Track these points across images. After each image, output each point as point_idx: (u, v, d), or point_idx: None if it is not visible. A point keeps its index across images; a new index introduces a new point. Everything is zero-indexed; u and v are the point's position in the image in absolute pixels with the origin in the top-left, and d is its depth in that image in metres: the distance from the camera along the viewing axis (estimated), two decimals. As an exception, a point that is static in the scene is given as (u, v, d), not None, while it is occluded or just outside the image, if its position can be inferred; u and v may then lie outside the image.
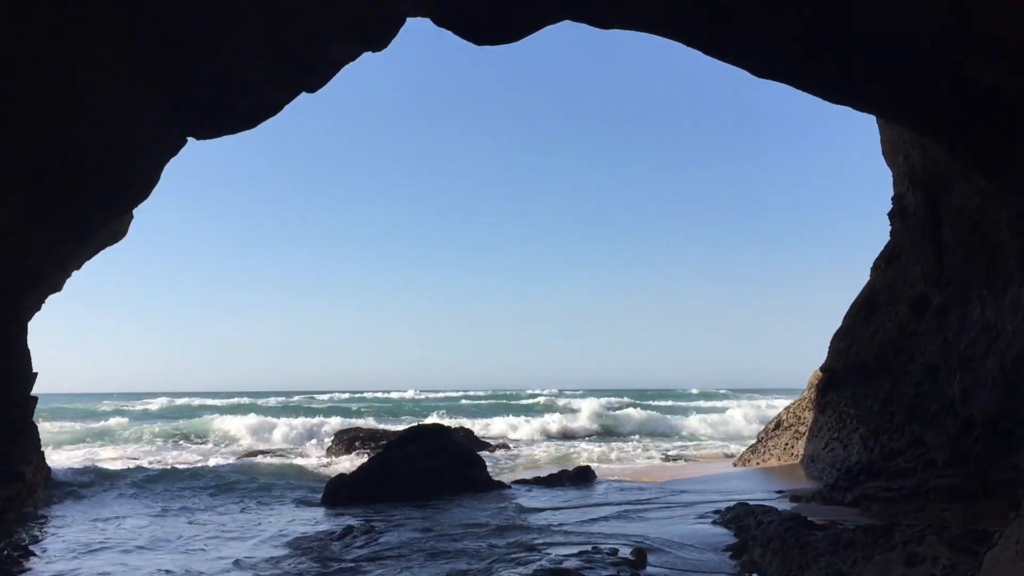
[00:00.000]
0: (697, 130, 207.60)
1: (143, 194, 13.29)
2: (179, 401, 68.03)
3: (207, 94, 11.49)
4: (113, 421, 41.90)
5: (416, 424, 21.70)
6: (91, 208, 11.72)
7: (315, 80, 12.14)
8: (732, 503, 14.07)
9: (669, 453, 29.90)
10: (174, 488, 19.00)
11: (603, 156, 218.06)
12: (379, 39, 11.50)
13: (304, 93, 12.33)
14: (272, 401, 67.42)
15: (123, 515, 14.96)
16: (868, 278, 19.54)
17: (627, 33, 11.44)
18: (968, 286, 12.97)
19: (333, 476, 18.92)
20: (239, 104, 11.96)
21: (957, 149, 10.44)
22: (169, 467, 23.27)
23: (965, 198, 12.11)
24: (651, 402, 64.57)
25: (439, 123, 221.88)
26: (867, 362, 17.72)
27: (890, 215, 17.59)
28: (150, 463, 24.90)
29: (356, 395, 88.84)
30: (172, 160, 13.25)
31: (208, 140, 12.68)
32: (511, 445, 32.24)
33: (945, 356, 13.21)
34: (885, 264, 18.09)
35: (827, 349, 20.96)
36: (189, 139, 12.88)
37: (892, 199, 17.32)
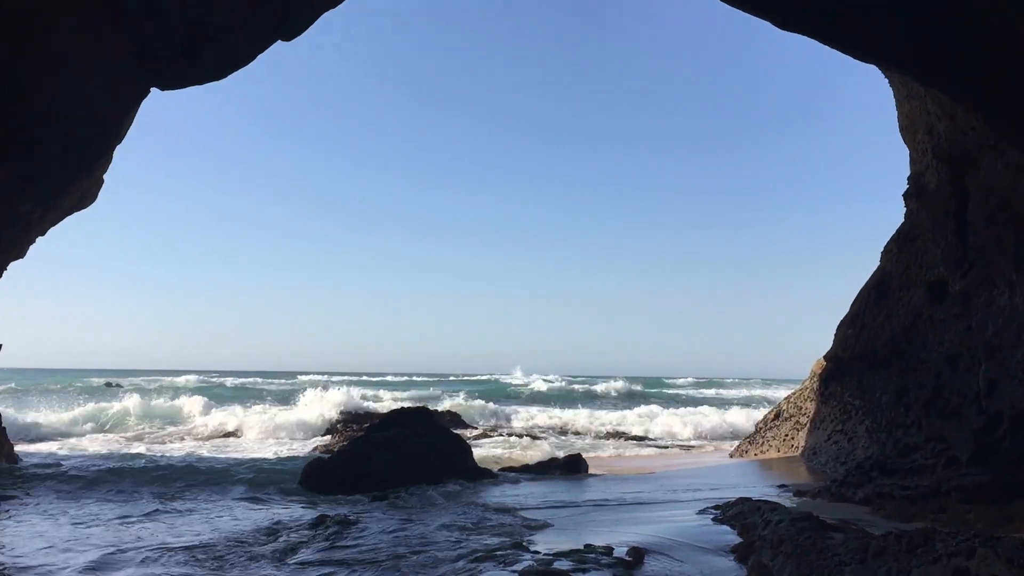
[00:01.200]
0: (700, 116, 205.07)
1: (104, 149, 12.17)
2: (163, 379, 66.76)
3: (172, 38, 10.40)
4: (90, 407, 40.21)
5: (400, 407, 20.71)
6: (45, 162, 10.63)
7: (291, 27, 11.04)
8: (733, 498, 13.17)
9: (660, 442, 29.07)
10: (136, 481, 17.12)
11: (605, 143, 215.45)
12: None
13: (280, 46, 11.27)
14: (247, 381, 66.40)
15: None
16: (875, 264, 18.63)
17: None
18: (994, 269, 12.03)
19: (310, 460, 17.97)
20: (206, 50, 10.86)
21: (994, 117, 9.46)
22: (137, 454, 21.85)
23: (995, 174, 11.15)
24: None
25: (430, 107, 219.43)
26: (877, 350, 16.81)
27: (905, 196, 16.63)
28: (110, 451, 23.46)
29: (338, 375, 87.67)
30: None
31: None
32: (495, 432, 31.29)
33: (968, 344, 12.30)
34: (898, 248, 17.15)
35: (830, 338, 20.09)
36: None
37: (908, 179, 16.35)
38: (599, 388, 61.48)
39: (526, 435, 29.14)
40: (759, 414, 29.19)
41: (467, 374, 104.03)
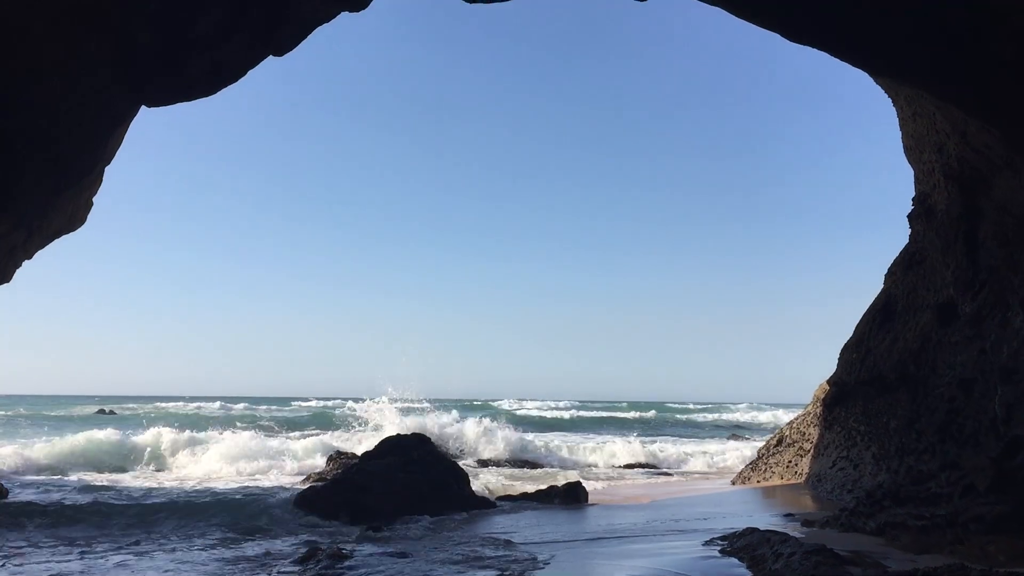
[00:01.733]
0: (709, 144, 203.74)
1: (86, 167, 11.75)
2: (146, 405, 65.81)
3: (155, 47, 10.04)
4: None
5: (397, 434, 20.22)
6: (21, 186, 10.21)
7: (283, 40, 10.71)
8: (739, 528, 12.72)
9: (659, 468, 28.57)
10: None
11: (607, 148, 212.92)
12: (360, -4, 10.11)
13: (272, 60, 10.90)
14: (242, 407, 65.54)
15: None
16: (870, 287, 18.32)
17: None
18: (1008, 290, 11.69)
19: (303, 489, 17.47)
20: (191, 62, 10.50)
21: (1013, 133, 9.15)
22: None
23: (1011, 192, 10.83)
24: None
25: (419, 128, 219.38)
26: (884, 375, 16.43)
27: (911, 217, 16.33)
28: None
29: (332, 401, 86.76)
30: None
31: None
32: (495, 458, 30.68)
33: (982, 368, 11.92)
34: (904, 270, 16.83)
35: (823, 362, 19.75)
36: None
37: (913, 200, 16.06)
38: (590, 414, 60.78)
39: (524, 462, 28.61)
40: (752, 440, 28.71)
41: (465, 399, 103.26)
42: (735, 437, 47.29)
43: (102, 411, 59.18)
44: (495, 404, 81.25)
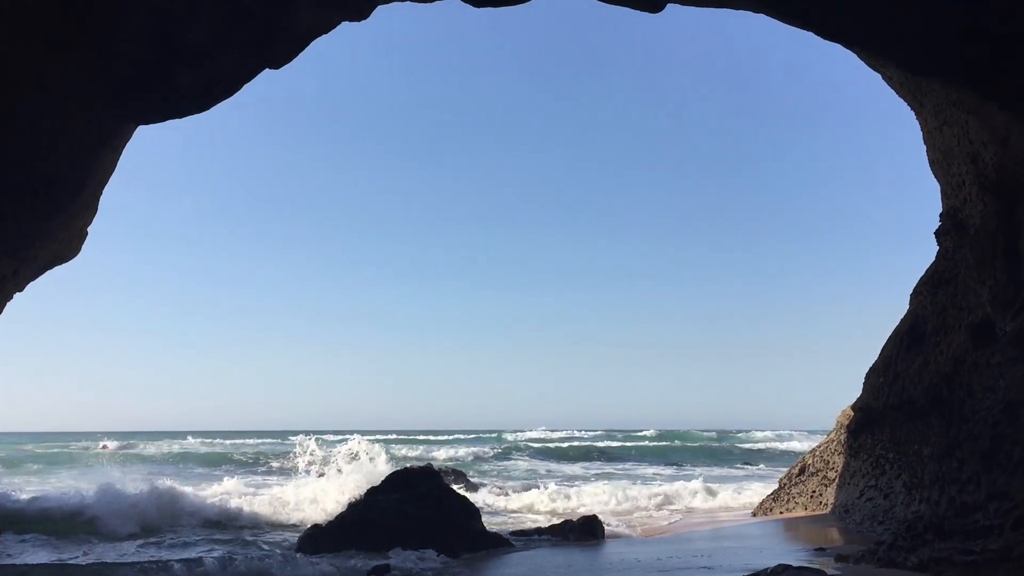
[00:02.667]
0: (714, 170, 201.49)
1: (73, 191, 11.11)
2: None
3: (141, 59, 9.45)
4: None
5: (405, 467, 19.46)
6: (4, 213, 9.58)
7: (279, 52, 10.13)
8: (770, 564, 11.93)
9: (676, 498, 27.58)
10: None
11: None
12: (360, 3, 9.52)
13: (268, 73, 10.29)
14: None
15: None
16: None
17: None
18: (1053, 308, 10.97)
19: (308, 528, 16.72)
20: (182, 77, 9.90)
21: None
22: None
23: (1056, 202, 10.17)
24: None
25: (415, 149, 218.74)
26: (914, 399, 15.64)
27: (938, 234, 15.63)
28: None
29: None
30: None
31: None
32: (505, 489, 29.80)
33: (1028, 391, 11.16)
34: (931, 290, 16.08)
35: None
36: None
37: (941, 216, 15.37)
38: (601, 445, 59.63)
39: (536, 491, 27.74)
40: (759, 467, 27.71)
41: (477, 430, 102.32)
42: (747, 464, 46.38)
43: (104, 447, 58.40)
44: (515, 434, 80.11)
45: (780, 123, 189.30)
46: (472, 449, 52.02)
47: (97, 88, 9.55)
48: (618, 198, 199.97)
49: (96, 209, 16.04)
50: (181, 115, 10.96)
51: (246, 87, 10.38)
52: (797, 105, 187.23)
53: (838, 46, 10.19)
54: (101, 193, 15.42)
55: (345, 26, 10.61)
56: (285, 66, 10.46)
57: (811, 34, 9.24)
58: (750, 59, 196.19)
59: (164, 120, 10.94)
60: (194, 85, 10.21)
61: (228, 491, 24.48)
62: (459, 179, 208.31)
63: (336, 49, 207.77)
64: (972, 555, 10.44)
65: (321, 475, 25.90)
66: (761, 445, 63.82)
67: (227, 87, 10.58)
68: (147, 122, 10.97)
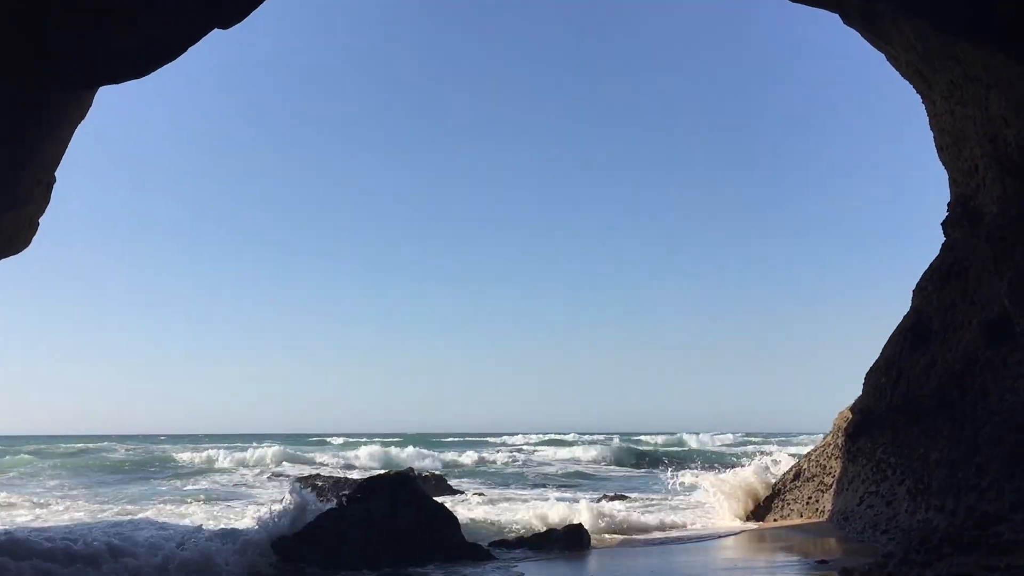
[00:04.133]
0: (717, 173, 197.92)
1: (13, 179, 9.91)
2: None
3: (70, 17, 8.34)
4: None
5: (377, 473, 18.38)
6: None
7: (228, 8, 9.03)
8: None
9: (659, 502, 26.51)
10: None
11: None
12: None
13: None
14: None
15: None
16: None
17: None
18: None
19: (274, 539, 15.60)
20: (119, 36, 8.79)
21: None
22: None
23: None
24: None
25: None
26: (920, 400, 14.75)
27: (946, 224, 14.75)
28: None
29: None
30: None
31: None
32: (488, 496, 28.75)
33: (1055, 392, 10.28)
34: (937, 284, 15.20)
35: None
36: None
37: (949, 205, 14.49)
38: (577, 452, 57.88)
39: (518, 498, 26.71)
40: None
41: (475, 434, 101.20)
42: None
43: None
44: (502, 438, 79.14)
45: (776, 126, 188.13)
46: (455, 453, 50.91)
47: (20, 50, 8.40)
48: (606, 202, 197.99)
49: (49, 200, 14.93)
50: (116, 80, 9.81)
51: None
52: (804, 104, 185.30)
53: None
54: (51, 180, 14.32)
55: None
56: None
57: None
58: (750, 59, 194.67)
59: (98, 84, 9.80)
60: (132, 47, 9.09)
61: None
62: (440, 180, 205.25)
63: (337, 49, 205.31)
64: (996, 572, 9.50)
65: None
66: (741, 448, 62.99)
67: (170, 48, 9.44)
68: (79, 87, 9.82)
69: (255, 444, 57.20)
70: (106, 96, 13.52)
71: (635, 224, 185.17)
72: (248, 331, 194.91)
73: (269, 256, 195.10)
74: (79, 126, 13.16)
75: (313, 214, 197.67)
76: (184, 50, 9.60)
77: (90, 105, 14.13)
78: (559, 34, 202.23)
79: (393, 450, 51.56)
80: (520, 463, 47.29)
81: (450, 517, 16.13)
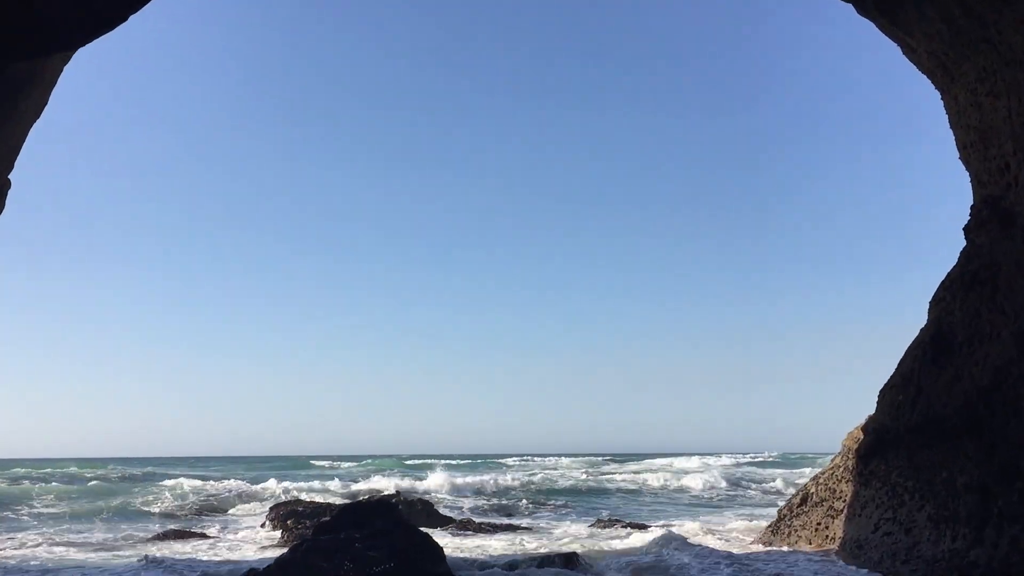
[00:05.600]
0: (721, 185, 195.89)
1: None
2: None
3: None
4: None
5: (357, 500, 17.12)
6: None
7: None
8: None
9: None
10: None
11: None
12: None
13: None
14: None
15: None
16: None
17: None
18: None
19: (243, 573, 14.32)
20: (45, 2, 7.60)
21: None
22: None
23: None
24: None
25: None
26: (943, 419, 13.62)
27: (969, 228, 13.69)
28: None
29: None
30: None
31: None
32: (478, 522, 27.36)
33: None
34: (959, 294, 14.11)
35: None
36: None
37: (973, 208, 13.45)
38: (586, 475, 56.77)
39: (513, 524, 25.43)
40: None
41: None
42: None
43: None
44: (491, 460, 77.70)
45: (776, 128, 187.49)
46: (444, 476, 49.31)
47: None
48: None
49: (3, 205, 13.83)
50: (48, 52, 8.63)
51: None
52: (825, 121, 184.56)
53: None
54: (3, 183, 13.20)
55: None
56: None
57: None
58: (753, 56, 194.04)
59: (28, 58, 8.63)
60: (64, 12, 7.91)
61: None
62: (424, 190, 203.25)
63: (335, 48, 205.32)
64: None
65: None
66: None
67: (105, 17, 8.26)
68: (9, 60, 8.62)
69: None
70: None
71: (637, 247, 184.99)
72: (235, 351, 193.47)
73: (264, 274, 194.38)
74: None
75: (302, 233, 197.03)
76: (126, 18, 8.39)
77: (46, 103, 13.01)
78: (561, 38, 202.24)
79: (382, 473, 50.19)
80: (518, 484, 45.73)
81: (434, 548, 14.86)
